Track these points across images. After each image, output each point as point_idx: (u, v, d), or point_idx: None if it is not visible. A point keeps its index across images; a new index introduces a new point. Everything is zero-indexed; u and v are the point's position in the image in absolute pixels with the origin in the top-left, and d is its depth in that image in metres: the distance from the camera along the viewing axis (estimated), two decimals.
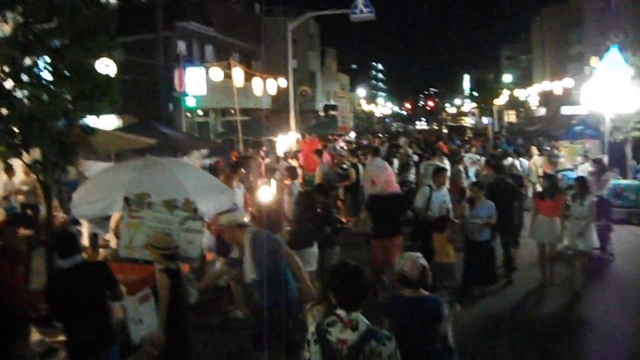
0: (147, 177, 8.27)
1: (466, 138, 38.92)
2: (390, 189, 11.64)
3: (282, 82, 26.82)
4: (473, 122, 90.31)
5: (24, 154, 9.27)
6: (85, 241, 11.32)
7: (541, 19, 60.09)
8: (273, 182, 15.70)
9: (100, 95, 9.86)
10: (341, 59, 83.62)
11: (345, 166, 18.33)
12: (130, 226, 7.99)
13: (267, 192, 13.09)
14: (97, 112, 10.09)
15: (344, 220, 15.91)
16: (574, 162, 22.90)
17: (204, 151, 15.07)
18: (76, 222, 10.38)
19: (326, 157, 19.58)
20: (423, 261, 5.73)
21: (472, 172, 18.77)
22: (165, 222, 7.92)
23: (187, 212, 7.92)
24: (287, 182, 14.66)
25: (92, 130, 10.03)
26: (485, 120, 78.66)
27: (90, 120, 10.57)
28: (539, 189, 15.23)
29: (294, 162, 18.66)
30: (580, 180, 12.17)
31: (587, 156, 22.38)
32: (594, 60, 24.11)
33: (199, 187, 8.53)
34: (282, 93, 28.29)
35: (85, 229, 10.70)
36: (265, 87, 25.37)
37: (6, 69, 9.16)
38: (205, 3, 32.64)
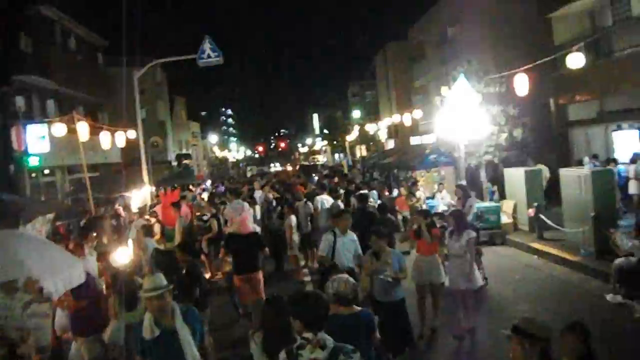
0: None
1: (323, 175, 38.81)
2: (244, 229, 12.07)
3: (131, 133, 25.55)
4: (325, 159, 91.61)
5: None
6: None
7: (384, 55, 61.46)
8: (130, 241, 14.60)
9: None
10: (190, 107, 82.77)
11: (205, 217, 17.44)
12: None
13: (122, 256, 12.01)
14: None
15: (211, 275, 15.20)
16: (432, 190, 23.13)
17: (50, 216, 13.64)
18: None
19: (184, 209, 18.57)
20: (352, 280, 6.33)
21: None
22: (6, 309, 6.73)
23: (30, 294, 6.77)
24: (143, 240, 13.56)
25: None
26: (337, 157, 79.96)
27: None
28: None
29: (151, 218, 17.52)
30: (456, 214, 11.61)
31: (443, 184, 22.78)
32: (443, 90, 24.60)
33: (44, 262, 7.35)
34: (132, 145, 27.04)
35: None
36: (114, 140, 24.03)
37: None
38: (44, 55, 30.84)
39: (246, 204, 13.95)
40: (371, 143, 66.57)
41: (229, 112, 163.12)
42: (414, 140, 48.21)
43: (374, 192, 21.87)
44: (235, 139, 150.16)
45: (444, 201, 20.47)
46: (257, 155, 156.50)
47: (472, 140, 20.76)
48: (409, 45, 53.18)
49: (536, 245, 17.40)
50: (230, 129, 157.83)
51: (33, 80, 29.71)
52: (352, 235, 10.51)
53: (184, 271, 9.73)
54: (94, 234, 12.85)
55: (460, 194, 17.03)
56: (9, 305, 6.74)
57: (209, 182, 37.56)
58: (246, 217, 12.60)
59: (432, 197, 21.62)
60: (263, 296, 11.42)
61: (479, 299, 12.10)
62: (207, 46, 24.63)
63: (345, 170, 35.89)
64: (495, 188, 22.07)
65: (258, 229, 13.87)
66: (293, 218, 16.54)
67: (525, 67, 16.36)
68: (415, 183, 23.50)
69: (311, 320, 4.79)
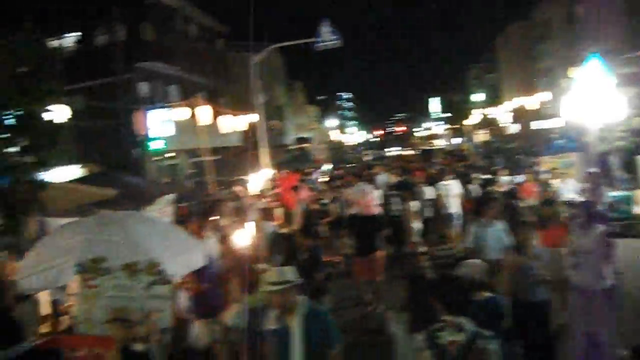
0: (102, 237, 6.99)
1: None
2: (367, 211, 12.02)
3: (252, 117, 25.74)
4: (445, 144, 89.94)
5: None
6: (45, 309, 10.08)
7: (506, 37, 59.73)
8: (249, 224, 14.52)
9: (47, 145, 8.72)
10: (308, 91, 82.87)
11: (325, 201, 17.18)
12: (86, 297, 6.72)
13: (243, 238, 11.93)
14: (48, 164, 8.95)
15: (331, 260, 14.92)
16: (558, 177, 21.93)
17: (172, 197, 13.78)
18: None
19: (304, 193, 18.41)
20: (484, 265, 6.45)
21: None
22: (128, 290, 6.68)
23: (151, 275, 6.69)
24: (263, 223, 13.42)
25: (42, 186, 8.86)
26: (455, 141, 78.13)
27: (45, 174, 9.49)
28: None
29: (272, 201, 17.46)
30: (588, 205, 10.52)
31: (570, 170, 21.63)
32: (571, 71, 23.25)
33: (165, 244, 7.27)
34: (250, 130, 27.21)
35: (44, 296, 9.41)
36: (235, 124, 24.27)
37: None
38: (166, 42, 31.52)
39: (370, 187, 13.94)
40: (491, 127, 64.82)
41: (347, 96, 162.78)
42: (536, 125, 46.47)
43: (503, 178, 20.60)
44: (353, 122, 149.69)
45: (570, 188, 19.50)
46: (374, 139, 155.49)
47: (605, 125, 19.55)
48: (532, 26, 51.25)
49: None
50: (348, 113, 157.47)
51: (156, 67, 30.47)
52: (500, 224, 9.92)
53: (305, 256, 9.49)
54: (215, 217, 12.83)
55: (592, 181, 15.95)
56: (131, 286, 6.68)
57: (326, 166, 37.41)
58: (370, 200, 12.51)
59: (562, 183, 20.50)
60: (380, 277, 11.59)
61: (609, 299, 11.16)
62: (325, 29, 24.40)
63: (469, 155, 34.76)
64: (627, 176, 20.69)
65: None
66: (413, 203, 16.04)
67: None
68: (548, 171, 22.08)
69: (452, 303, 4.84)
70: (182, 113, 21.22)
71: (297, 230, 13.93)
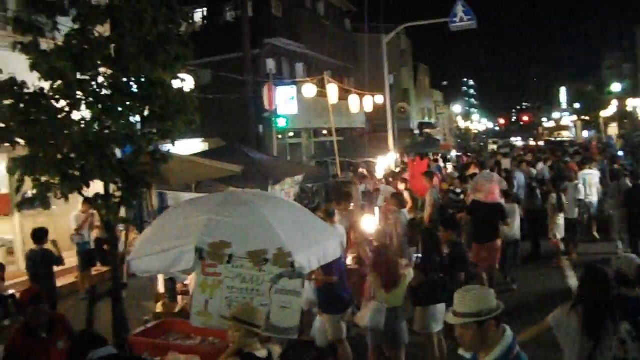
0: (227, 219, 6.12)
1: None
2: (490, 198, 11.94)
3: (379, 98, 24.78)
4: (572, 135, 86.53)
5: (84, 187, 7.56)
6: (160, 287, 9.51)
7: None
8: (379, 211, 13.59)
9: (174, 114, 8.05)
10: (433, 75, 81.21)
11: (458, 190, 16.00)
12: (204, 286, 5.90)
13: (372, 225, 10.99)
14: (171, 135, 8.30)
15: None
16: None
17: (299, 177, 12.94)
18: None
19: (436, 180, 17.29)
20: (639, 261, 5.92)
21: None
22: (252, 281, 5.84)
23: (281, 267, 5.79)
24: (393, 210, 12.41)
25: (164, 158, 8.20)
26: (586, 133, 74.86)
27: (166, 145, 8.90)
28: None
29: (399, 186, 16.44)
30: None
31: None
32: None
33: (297, 231, 6.34)
34: (377, 111, 26.26)
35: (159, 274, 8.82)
36: (362, 104, 23.36)
37: (56, 84, 7.43)
38: (293, 19, 30.90)
39: (496, 175, 13.85)
40: (625, 120, 61.36)
41: (471, 82, 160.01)
42: None
43: None
44: (477, 110, 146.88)
45: None
46: (498, 128, 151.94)
47: None
48: None
49: None
50: (472, 100, 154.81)
51: (283, 44, 29.93)
52: None
53: (447, 251, 8.44)
54: (344, 201, 11.94)
55: None
56: (257, 277, 5.83)
57: (454, 153, 36.08)
58: (495, 187, 12.31)
59: None
60: (496, 264, 11.86)
61: None
62: (459, 9, 23.21)
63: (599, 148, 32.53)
64: None
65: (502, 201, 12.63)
66: (554, 197, 14.69)
67: None
68: None
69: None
70: (310, 89, 20.46)
71: (433, 220, 13.24)
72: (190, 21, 26.53)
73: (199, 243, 5.84)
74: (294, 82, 24.78)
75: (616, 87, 69.09)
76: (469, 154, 38.98)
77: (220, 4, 29.88)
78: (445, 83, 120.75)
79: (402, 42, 56.61)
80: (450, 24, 23.22)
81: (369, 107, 23.75)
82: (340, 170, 19.97)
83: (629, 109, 55.06)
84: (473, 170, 18.83)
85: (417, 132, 54.75)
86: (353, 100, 21.99)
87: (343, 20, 40.89)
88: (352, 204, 13.04)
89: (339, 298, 8.29)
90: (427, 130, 56.12)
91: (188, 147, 18.48)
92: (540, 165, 22.03)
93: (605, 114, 58.98)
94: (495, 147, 57.54)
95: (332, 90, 18.74)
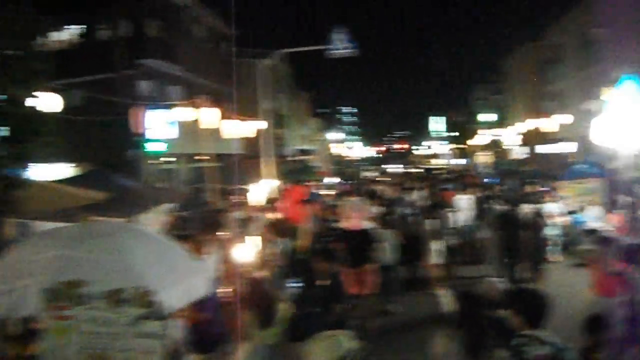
0: (82, 254, 5.41)
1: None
2: (358, 225, 11.91)
3: (256, 124, 24.38)
4: (446, 163, 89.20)
5: None
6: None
7: (515, 57, 58.69)
8: (255, 240, 13.05)
9: (29, 136, 7.31)
10: (312, 103, 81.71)
11: (333, 219, 15.72)
12: (55, 332, 5.23)
13: (252, 257, 10.45)
14: (29, 158, 7.54)
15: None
16: (579, 204, 20.37)
17: (169, 205, 12.13)
18: None
19: (314, 207, 16.95)
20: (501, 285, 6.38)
21: None
22: (109, 325, 5.17)
23: (140, 307, 5.17)
24: (271, 240, 11.92)
25: (20, 183, 7.43)
26: (456, 161, 77.16)
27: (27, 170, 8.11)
28: None
29: (273, 214, 15.96)
30: None
31: (592, 197, 20.23)
32: (605, 92, 21.72)
33: (161, 267, 5.67)
34: (254, 137, 25.81)
35: None
36: (240, 130, 22.83)
37: None
38: (170, 41, 30.11)
39: (365, 202, 13.88)
40: (496, 149, 63.63)
41: (349, 110, 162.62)
42: (546, 149, 45.35)
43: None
44: (355, 137, 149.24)
45: (593, 216, 18.10)
46: (375, 155, 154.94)
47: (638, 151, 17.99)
48: (543, 48, 50.15)
49: None
50: (351, 127, 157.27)
51: (159, 65, 28.99)
52: None
53: (324, 283, 8.04)
54: (218, 230, 11.33)
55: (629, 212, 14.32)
56: (114, 320, 5.19)
57: (330, 180, 35.91)
58: (362, 214, 12.38)
59: (574, 212, 18.98)
60: (369, 290, 11.47)
61: None
62: (338, 36, 23.13)
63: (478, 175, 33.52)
64: None
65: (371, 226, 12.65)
66: (431, 223, 14.71)
67: None
68: (546, 193, 20.33)
69: (532, 318, 4.77)
70: (184, 114, 19.80)
71: (311, 250, 12.88)
72: (56, 37, 25.48)
73: (48, 282, 5.14)
74: (168, 105, 23.95)
75: (484, 117, 71.67)
76: (348, 181, 38.96)
77: (95, 23, 28.80)
78: (325, 110, 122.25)
79: (282, 67, 56.58)
80: (330, 51, 23.06)
81: (250, 132, 23.27)
82: (217, 197, 19.28)
83: (496, 138, 57.03)
84: (350, 197, 18.54)
85: (295, 158, 54.55)
86: (230, 126, 21.42)
87: (223, 44, 40.17)
88: (226, 233, 12.47)
89: (211, 336, 7.72)
90: (305, 157, 56.07)
91: (55, 172, 17.39)
92: (416, 192, 22.15)
93: (474, 142, 60.99)
94: (372, 174, 58.20)
95: (206, 115, 18.09)
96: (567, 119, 29.59)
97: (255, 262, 10.00)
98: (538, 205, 17.06)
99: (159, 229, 11.27)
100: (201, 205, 13.68)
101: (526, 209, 16.08)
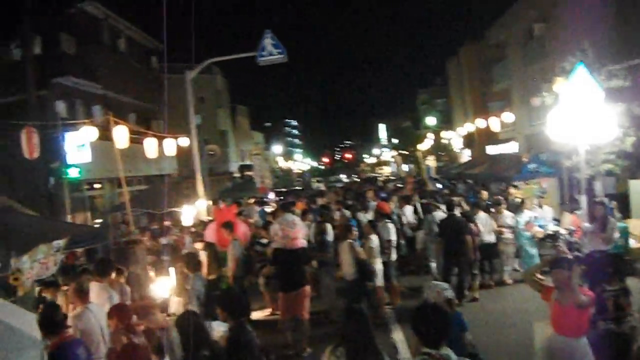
0: None
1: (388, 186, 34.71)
2: (293, 244, 11.39)
3: (184, 141, 22.51)
4: (393, 170, 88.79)
5: None
6: None
7: (458, 59, 57.94)
8: (170, 277, 11.33)
9: None
10: (254, 117, 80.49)
11: (264, 241, 14.07)
12: None
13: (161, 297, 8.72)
14: None
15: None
16: (531, 205, 18.97)
17: (60, 243, 10.25)
18: None
19: (242, 228, 15.16)
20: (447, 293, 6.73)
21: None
22: None
23: None
24: (185, 275, 10.20)
25: None
26: (405, 167, 76.62)
27: None
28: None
29: (196, 242, 14.20)
30: (614, 260, 7.74)
31: (543, 197, 19.89)
32: (553, 85, 20.29)
33: None
34: (189, 155, 23.97)
35: None
36: (163, 147, 20.91)
37: None
38: (89, 56, 28.00)
39: (297, 218, 12.65)
40: (442, 153, 62.82)
41: (293, 123, 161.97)
42: (490, 150, 44.80)
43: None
44: (300, 150, 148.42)
45: (549, 217, 16.85)
46: (322, 167, 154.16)
47: (590, 146, 16.69)
48: (486, 47, 49.41)
49: None
50: (295, 140, 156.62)
51: (76, 83, 26.83)
52: None
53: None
54: (117, 269, 9.54)
55: (601, 212, 12.95)
56: None
57: (271, 196, 34.24)
58: (298, 231, 11.63)
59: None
60: (306, 314, 11.05)
61: None
62: (268, 42, 21.55)
63: (427, 182, 32.28)
64: (614, 204, 17.83)
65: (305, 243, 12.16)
66: (374, 239, 13.13)
67: None
68: (500, 201, 18.65)
69: (431, 336, 4.64)
70: (91, 135, 18.02)
71: (237, 277, 12.37)
72: None
73: None
74: (73, 123, 21.81)
75: (431, 120, 70.83)
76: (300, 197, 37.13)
77: (4, 40, 26.59)
78: (267, 124, 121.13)
79: (218, 82, 54.88)
80: (259, 57, 21.50)
81: (172, 151, 21.35)
82: (131, 226, 17.26)
83: (444, 141, 56.27)
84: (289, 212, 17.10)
85: (237, 175, 52.80)
86: (150, 144, 19.53)
87: (149, 58, 37.91)
88: (136, 269, 10.68)
89: None
90: (249, 173, 54.30)
91: None
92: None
93: (422, 147, 60.17)
94: (320, 185, 56.89)
95: (120, 133, 16.14)
96: (512, 117, 28.53)
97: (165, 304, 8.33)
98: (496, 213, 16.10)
99: (49, 270, 9.38)
100: (102, 238, 11.74)
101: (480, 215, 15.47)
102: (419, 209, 18.49)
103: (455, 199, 17.81)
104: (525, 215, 16.03)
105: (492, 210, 16.18)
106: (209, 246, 13.31)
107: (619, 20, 23.87)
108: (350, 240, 12.34)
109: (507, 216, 15.94)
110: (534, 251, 15.65)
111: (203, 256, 12.35)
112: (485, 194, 19.20)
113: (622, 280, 7.31)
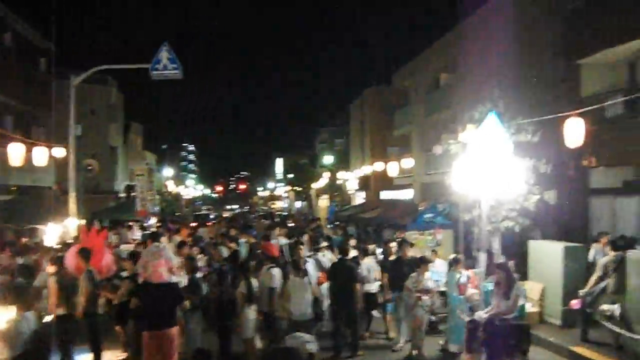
0: None
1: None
2: (158, 277, 9.87)
3: (59, 151, 20.56)
4: (286, 205, 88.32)
5: None
6: None
7: (361, 102, 57.83)
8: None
9: None
10: (149, 136, 77.99)
11: (124, 274, 12.42)
12: None
13: None
14: None
15: None
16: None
17: None
18: None
19: (107, 257, 13.31)
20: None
21: None
22: None
23: None
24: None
25: None
26: (298, 204, 76.17)
27: None
28: None
29: (50, 266, 12.31)
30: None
31: (436, 250, 18.37)
32: (466, 130, 19.30)
33: None
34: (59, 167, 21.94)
35: None
36: (37, 158, 18.87)
37: None
38: None
39: (166, 249, 11.01)
40: (336, 193, 62.29)
41: (191, 147, 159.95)
42: (386, 195, 44.80)
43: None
44: (194, 176, 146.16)
45: (439, 271, 15.79)
46: (215, 195, 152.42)
47: (494, 201, 15.86)
48: (391, 92, 49.48)
49: (583, 351, 12.48)
50: (190, 165, 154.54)
51: None
52: None
53: None
54: None
55: (502, 277, 11.19)
56: None
57: (152, 220, 32.07)
58: (163, 263, 10.06)
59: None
60: (173, 358, 9.60)
61: None
62: (164, 55, 19.99)
63: (323, 223, 31.34)
64: (511, 264, 16.96)
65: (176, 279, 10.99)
66: (244, 284, 11.93)
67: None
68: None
69: None
70: None
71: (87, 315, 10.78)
72: None
73: None
74: None
75: (328, 159, 70.41)
76: (175, 221, 35.07)
77: None
78: (164, 146, 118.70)
79: (112, 95, 52.32)
80: (152, 70, 19.92)
81: (42, 161, 19.28)
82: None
83: (339, 181, 55.98)
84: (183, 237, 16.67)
85: (123, 194, 50.14)
86: (14, 151, 17.47)
87: (37, 59, 34.88)
88: None
89: None
90: (133, 194, 52.03)
91: None
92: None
93: (316, 186, 59.72)
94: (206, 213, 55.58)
95: None
96: (411, 163, 27.99)
97: None
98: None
99: None
100: None
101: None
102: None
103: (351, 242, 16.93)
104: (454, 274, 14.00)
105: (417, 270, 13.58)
106: (60, 273, 11.47)
107: (526, 75, 23.65)
108: None
109: (429, 278, 13.63)
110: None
111: (52, 282, 10.64)
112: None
113: (524, 354, 6.86)
